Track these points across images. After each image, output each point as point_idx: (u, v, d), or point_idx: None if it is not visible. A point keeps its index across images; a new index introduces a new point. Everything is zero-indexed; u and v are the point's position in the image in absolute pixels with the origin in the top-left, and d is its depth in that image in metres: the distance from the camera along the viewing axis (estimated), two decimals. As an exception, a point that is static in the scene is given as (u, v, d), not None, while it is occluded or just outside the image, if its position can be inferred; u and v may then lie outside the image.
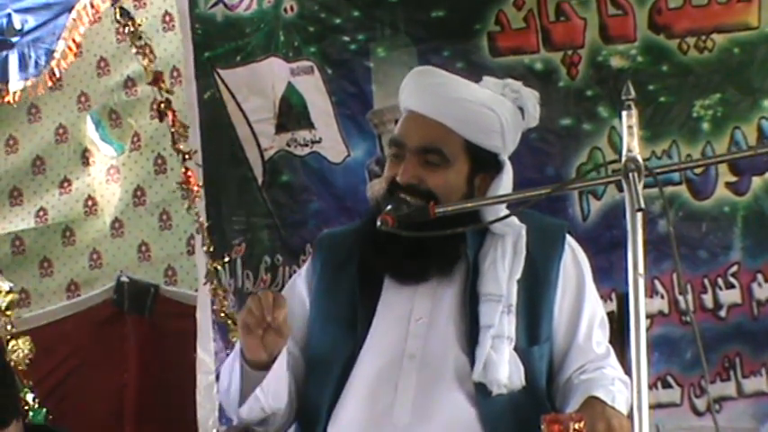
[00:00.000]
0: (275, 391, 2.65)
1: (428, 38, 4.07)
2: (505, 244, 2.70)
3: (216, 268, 4.42)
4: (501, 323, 2.63)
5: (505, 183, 2.75)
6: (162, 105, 4.53)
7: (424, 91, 2.78)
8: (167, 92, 4.54)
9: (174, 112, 4.52)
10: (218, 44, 4.44)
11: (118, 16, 4.60)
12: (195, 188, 4.48)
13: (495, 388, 2.60)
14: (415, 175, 2.69)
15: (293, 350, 2.74)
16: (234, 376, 2.65)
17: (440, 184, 2.69)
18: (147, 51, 4.60)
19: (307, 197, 4.30)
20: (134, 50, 4.61)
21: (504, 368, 2.61)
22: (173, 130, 4.51)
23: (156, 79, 4.58)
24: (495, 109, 2.73)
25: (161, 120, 4.58)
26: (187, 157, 4.49)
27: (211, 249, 4.42)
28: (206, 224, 4.44)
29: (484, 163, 2.75)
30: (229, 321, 4.36)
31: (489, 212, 2.69)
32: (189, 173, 4.50)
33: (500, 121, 2.73)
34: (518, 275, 2.68)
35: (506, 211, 2.67)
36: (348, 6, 4.19)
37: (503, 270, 2.67)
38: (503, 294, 2.65)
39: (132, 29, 4.57)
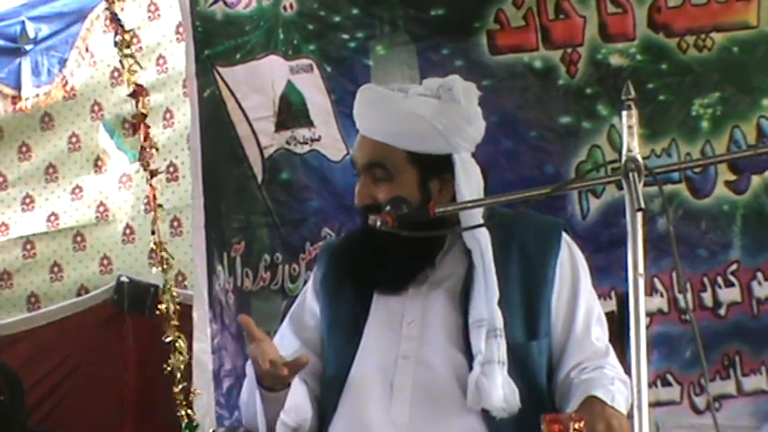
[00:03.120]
0: (297, 407, 2.73)
1: (427, 36, 4.06)
2: (476, 262, 2.72)
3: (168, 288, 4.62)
4: (489, 348, 2.64)
5: (463, 181, 2.76)
6: (138, 119, 4.60)
7: (361, 112, 2.87)
8: (143, 110, 4.60)
9: (147, 128, 4.59)
10: (217, 42, 4.43)
11: (108, 21, 4.65)
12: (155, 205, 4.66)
13: (494, 412, 2.62)
14: (368, 194, 2.78)
15: (313, 360, 2.79)
16: (256, 404, 2.72)
17: (390, 197, 2.73)
18: (133, 63, 4.66)
19: (306, 195, 4.30)
20: (123, 60, 4.66)
21: (498, 393, 2.61)
22: (144, 145, 4.58)
23: (136, 92, 4.64)
24: (423, 115, 2.76)
25: (133, 133, 4.65)
26: (152, 175, 4.65)
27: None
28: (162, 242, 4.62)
29: (434, 167, 2.78)
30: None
31: (466, 217, 2.72)
32: (154, 192, 4.62)
33: (432, 124, 2.75)
34: (497, 298, 2.68)
35: (480, 220, 2.69)
36: (347, 4, 4.19)
37: (479, 295, 2.69)
38: (485, 318, 2.66)
39: (122, 36, 4.62)
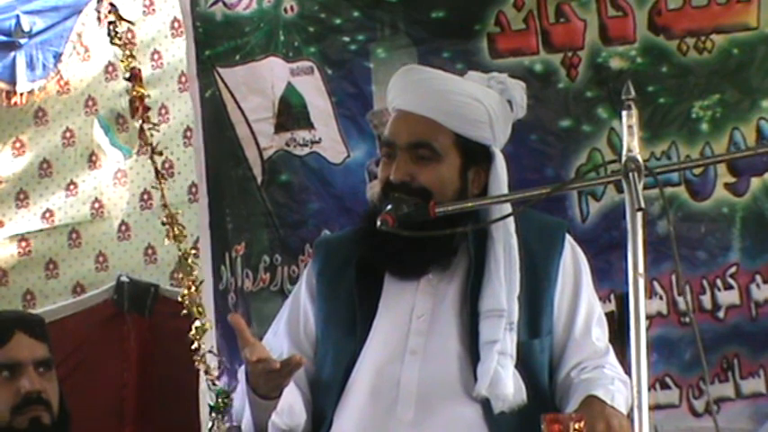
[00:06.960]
0: (290, 408, 2.68)
1: (428, 38, 4.07)
2: (497, 254, 2.70)
3: (185, 258, 4.44)
4: (504, 340, 2.63)
5: (501, 175, 2.75)
6: (136, 100, 4.54)
7: (410, 88, 2.79)
8: (142, 92, 4.56)
9: (146, 109, 4.53)
10: (217, 43, 4.44)
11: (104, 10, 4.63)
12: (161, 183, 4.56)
13: (500, 404, 2.61)
14: (407, 172, 2.70)
15: (306, 363, 2.75)
16: (247, 407, 2.67)
17: (432, 179, 2.70)
18: (127, 43, 4.62)
19: (306, 197, 4.30)
20: (114, 42, 4.62)
21: (510, 385, 2.61)
22: (143, 124, 4.52)
23: (134, 76, 4.59)
24: (481, 100, 2.74)
25: (132, 116, 4.60)
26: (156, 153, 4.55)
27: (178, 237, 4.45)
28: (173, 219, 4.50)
29: (475, 156, 2.75)
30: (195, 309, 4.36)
31: (494, 210, 2.70)
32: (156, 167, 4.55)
33: (487, 111, 2.73)
34: (517, 291, 2.67)
35: (509, 210, 2.68)
36: (348, 7, 4.19)
37: (499, 284, 2.67)
38: (504, 309, 2.65)
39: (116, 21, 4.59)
